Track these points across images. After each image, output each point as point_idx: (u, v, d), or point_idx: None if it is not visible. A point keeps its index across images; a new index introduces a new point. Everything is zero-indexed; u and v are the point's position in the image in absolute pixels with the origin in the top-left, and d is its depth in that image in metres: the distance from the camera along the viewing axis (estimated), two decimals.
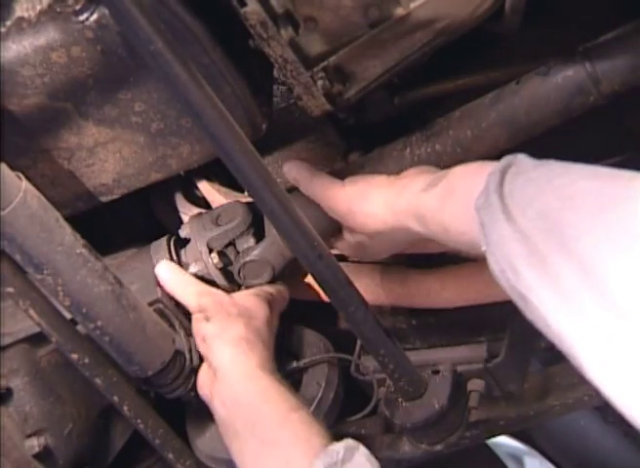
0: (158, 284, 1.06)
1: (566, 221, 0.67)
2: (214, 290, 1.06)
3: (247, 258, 1.07)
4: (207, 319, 1.01)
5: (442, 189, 0.86)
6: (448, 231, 0.85)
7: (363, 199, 0.96)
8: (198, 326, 1.02)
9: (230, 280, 1.08)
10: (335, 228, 1.05)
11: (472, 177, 0.82)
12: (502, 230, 0.72)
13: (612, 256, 0.62)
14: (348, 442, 0.87)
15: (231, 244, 1.08)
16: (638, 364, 0.59)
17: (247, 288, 1.09)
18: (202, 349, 1.01)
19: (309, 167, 1.04)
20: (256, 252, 1.06)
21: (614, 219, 0.64)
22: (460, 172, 0.87)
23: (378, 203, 0.95)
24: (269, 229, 1.07)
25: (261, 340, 1.01)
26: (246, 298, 1.06)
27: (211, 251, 1.07)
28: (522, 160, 0.78)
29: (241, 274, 1.07)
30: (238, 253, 1.08)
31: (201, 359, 1.03)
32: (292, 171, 1.05)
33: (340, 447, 0.86)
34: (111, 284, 0.93)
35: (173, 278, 1.05)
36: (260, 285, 1.08)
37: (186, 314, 1.06)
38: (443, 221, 0.85)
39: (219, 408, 0.97)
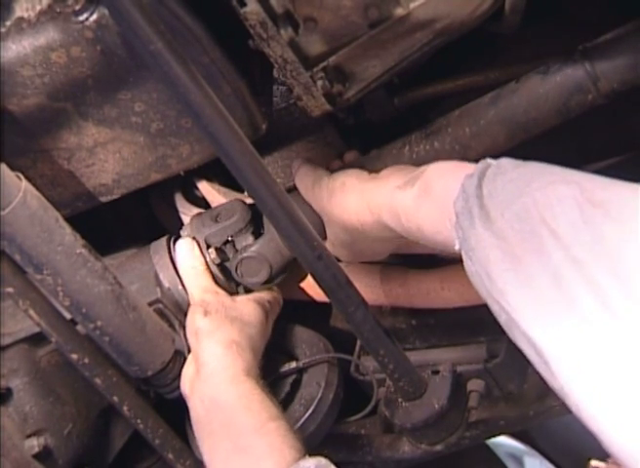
0: (158, 283, 1.06)
1: (543, 224, 0.68)
2: (220, 290, 1.06)
3: (244, 254, 1.06)
4: (205, 313, 1.02)
5: (418, 188, 0.87)
6: (422, 229, 0.86)
7: (341, 191, 0.98)
8: (194, 317, 1.02)
9: (228, 277, 1.08)
10: (321, 233, 1.05)
11: (448, 177, 0.83)
12: (479, 235, 0.73)
13: (583, 265, 0.64)
14: (320, 460, 0.86)
15: (230, 241, 1.08)
16: (606, 369, 0.60)
17: (245, 286, 1.09)
18: (191, 342, 1.02)
19: (309, 165, 1.05)
20: (253, 248, 1.06)
21: (589, 229, 0.65)
22: (436, 171, 0.87)
23: (354, 196, 0.96)
24: (268, 227, 1.07)
25: (252, 348, 1.01)
26: (246, 303, 1.06)
27: (209, 247, 1.07)
28: (502, 161, 0.79)
29: (238, 271, 1.07)
30: (237, 250, 1.08)
31: None
32: (295, 167, 1.06)
33: (311, 463, 0.85)
34: (111, 284, 0.93)
35: (187, 262, 1.06)
36: (258, 283, 1.08)
37: (186, 314, 1.06)
38: (417, 220, 0.86)
39: (197, 404, 0.97)
